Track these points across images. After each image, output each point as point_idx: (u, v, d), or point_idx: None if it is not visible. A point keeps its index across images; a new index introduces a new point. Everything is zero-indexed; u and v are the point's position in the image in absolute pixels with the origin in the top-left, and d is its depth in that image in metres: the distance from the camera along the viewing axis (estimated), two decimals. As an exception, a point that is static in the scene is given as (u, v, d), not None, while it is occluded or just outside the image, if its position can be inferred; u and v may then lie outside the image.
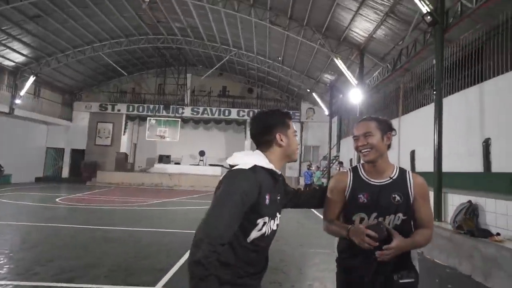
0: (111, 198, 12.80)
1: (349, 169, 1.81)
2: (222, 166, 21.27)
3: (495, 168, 6.03)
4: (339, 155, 18.20)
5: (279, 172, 1.58)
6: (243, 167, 1.45)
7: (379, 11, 9.47)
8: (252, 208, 1.41)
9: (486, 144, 6.28)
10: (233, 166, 1.51)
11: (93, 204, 10.87)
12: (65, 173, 21.27)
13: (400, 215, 1.62)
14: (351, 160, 15.06)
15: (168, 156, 21.99)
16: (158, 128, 21.25)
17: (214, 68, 19.74)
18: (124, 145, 21.77)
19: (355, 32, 11.38)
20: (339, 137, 18.58)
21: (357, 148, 1.69)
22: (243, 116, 20.95)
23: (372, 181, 1.67)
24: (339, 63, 12.36)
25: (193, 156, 22.39)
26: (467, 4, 6.61)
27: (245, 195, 1.36)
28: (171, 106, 20.96)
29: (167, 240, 6.04)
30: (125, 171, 20.24)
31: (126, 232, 6.64)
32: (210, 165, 21.34)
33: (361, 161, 1.77)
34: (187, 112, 21.22)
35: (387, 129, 1.68)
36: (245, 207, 1.38)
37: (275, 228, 1.58)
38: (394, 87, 11.50)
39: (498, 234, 4.61)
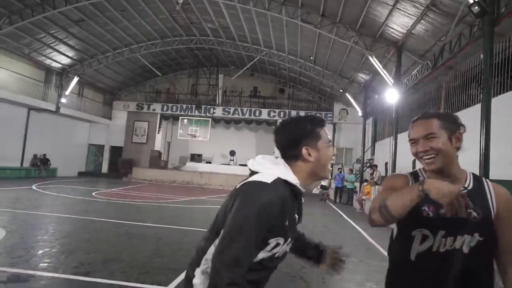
0: (143, 194, 13.11)
1: (409, 174, 1.49)
2: (252, 166, 21.17)
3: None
4: (373, 158, 17.32)
5: (303, 190, 1.35)
6: (264, 180, 1.23)
7: (419, 4, 8.78)
8: (269, 229, 1.22)
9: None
10: (253, 172, 1.31)
11: (125, 199, 11.16)
12: (105, 168, 22.33)
13: (477, 235, 1.29)
14: (386, 164, 14.20)
15: (199, 155, 22.34)
16: (190, 128, 21.63)
17: (245, 68, 19.63)
18: (159, 143, 22.39)
19: (392, 28, 10.69)
20: (374, 139, 17.68)
21: (416, 155, 1.38)
22: (273, 116, 20.75)
23: None
24: (374, 61, 11.72)
25: (224, 155, 22.54)
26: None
27: (266, 216, 1.17)
28: (202, 106, 21.27)
29: (187, 239, 5.96)
30: (158, 168, 20.81)
31: (149, 228, 6.67)
32: (240, 165, 21.30)
33: (422, 167, 1.45)
34: (218, 112, 21.37)
35: (454, 127, 1.37)
36: (265, 229, 1.20)
37: (287, 249, 1.38)
38: (435, 86, 10.65)
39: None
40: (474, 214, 1.23)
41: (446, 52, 8.99)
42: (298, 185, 1.30)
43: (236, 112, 21.26)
